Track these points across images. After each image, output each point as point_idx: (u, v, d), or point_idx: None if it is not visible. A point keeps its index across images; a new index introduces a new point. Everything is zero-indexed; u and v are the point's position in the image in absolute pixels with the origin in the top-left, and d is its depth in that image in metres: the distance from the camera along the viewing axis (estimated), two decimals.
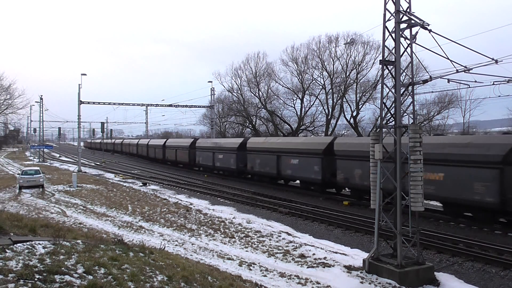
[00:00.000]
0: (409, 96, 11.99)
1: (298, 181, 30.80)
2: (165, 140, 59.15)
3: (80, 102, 47.67)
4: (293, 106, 59.13)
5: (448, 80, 11.86)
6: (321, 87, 55.48)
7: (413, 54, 11.69)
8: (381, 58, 12.18)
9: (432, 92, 46.15)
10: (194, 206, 23.15)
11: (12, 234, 9.17)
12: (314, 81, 56.03)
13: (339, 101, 53.80)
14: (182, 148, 49.18)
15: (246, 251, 14.29)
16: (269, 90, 60.77)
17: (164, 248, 11.86)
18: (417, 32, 11.60)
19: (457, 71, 11.32)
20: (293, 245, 14.73)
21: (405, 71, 13.15)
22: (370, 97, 51.92)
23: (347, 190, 25.85)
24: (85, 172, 46.84)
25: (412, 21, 11.50)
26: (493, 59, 11.21)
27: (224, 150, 38.55)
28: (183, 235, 16.65)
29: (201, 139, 49.15)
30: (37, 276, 5.84)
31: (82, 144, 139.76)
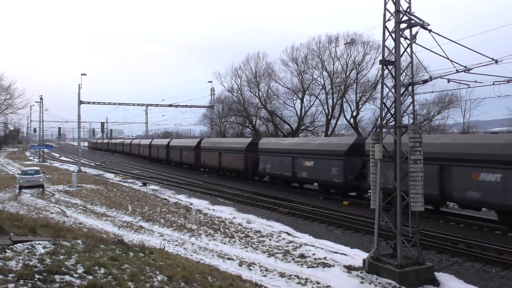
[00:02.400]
0: (409, 96, 11.99)
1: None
2: (198, 140, 48.13)
3: (80, 102, 47.70)
4: (293, 106, 59.20)
5: (448, 80, 11.87)
6: (321, 87, 55.55)
7: (413, 54, 11.69)
8: (381, 58, 12.18)
9: (432, 92, 46.27)
10: (194, 206, 23.15)
11: (12, 234, 9.17)
12: (314, 81, 56.09)
13: (339, 101, 53.83)
14: (233, 151, 37.47)
15: (246, 251, 14.29)
16: (269, 90, 60.85)
17: (164, 248, 11.86)
18: (417, 32, 11.61)
19: (457, 71, 11.32)
20: (293, 245, 14.73)
21: (405, 71, 13.16)
22: (370, 97, 51.97)
23: None
24: (85, 172, 46.84)
25: (412, 21, 11.50)
26: (493, 59, 11.21)
27: (316, 155, 26.71)
28: (183, 235, 16.65)
29: (266, 139, 37.27)
30: (37, 276, 5.84)
31: (85, 144, 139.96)
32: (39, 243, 7.64)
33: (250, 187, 30.99)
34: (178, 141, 58.95)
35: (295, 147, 29.40)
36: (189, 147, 48.27)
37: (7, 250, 6.83)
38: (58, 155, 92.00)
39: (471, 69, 11.23)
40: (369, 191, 23.44)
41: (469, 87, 12.59)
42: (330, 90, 54.18)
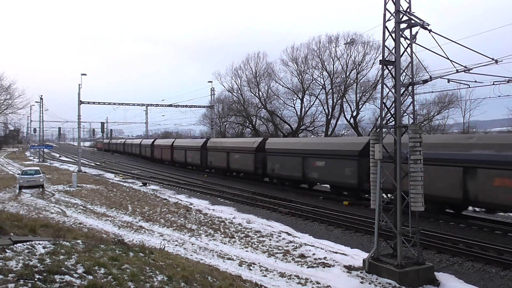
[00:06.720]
0: (409, 96, 11.99)
1: None
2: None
3: (80, 102, 47.68)
4: (293, 106, 59.28)
5: (448, 80, 11.86)
6: (321, 87, 55.62)
7: (413, 54, 11.69)
8: (381, 58, 12.18)
9: (432, 92, 46.27)
10: (194, 206, 23.15)
11: (12, 234, 9.18)
12: (314, 81, 56.16)
13: (339, 101, 53.88)
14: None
15: (246, 251, 14.29)
16: (269, 90, 60.95)
17: (164, 248, 11.86)
18: (417, 32, 11.60)
19: (457, 71, 11.32)
20: (293, 245, 14.73)
21: (405, 71, 13.15)
22: (370, 97, 52.02)
23: None
24: (85, 172, 46.84)
25: (412, 21, 11.49)
26: (493, 59, 11.21)
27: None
28: (183, 235, 16.65)
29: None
30: (37, 276, 5.84)
31: (86, 144, 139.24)
32: (39, 243, 7.64)
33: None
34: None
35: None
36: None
37: (7, 250, 6.84)
38: (58, 155, 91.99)
39: (471, 69, 11.23)
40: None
41: (469, 87, 12.59)
42: (330, 90, 54.22)
